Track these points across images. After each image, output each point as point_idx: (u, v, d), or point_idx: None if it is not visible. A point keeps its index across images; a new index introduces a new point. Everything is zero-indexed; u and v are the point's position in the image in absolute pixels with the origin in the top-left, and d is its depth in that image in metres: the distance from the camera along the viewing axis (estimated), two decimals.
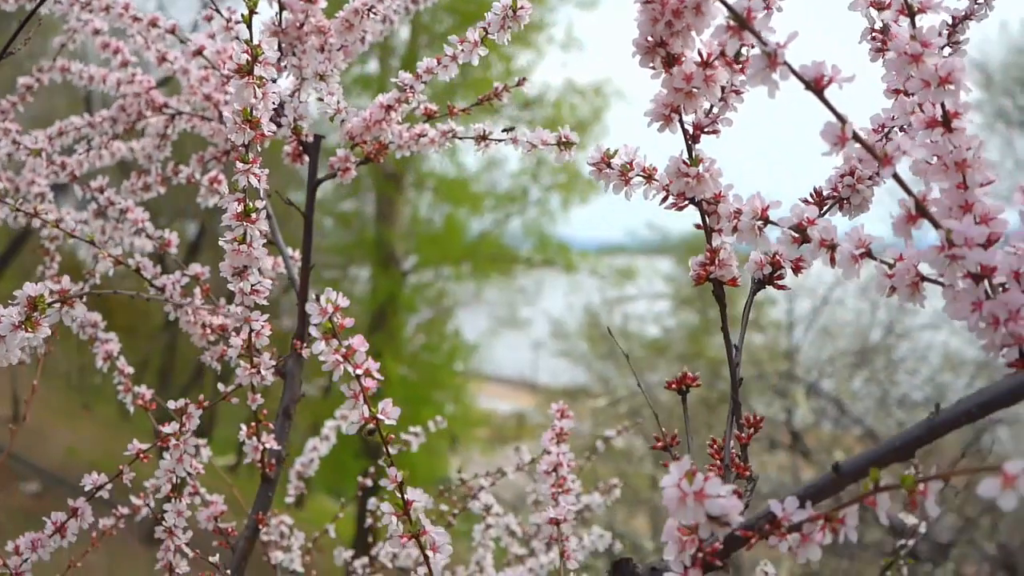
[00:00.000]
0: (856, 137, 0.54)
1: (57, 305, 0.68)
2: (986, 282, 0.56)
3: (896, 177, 0.55)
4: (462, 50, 0.94)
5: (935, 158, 0.58)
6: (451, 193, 11.83)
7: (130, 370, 1.16)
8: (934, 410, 0.54)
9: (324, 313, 0.66)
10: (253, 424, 1.02)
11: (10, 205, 1.07)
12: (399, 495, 0.70)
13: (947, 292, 0.57)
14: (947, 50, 0.76)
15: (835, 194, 0.74)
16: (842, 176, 0.74)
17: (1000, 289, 0.55)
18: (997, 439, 6.42)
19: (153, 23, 1.16)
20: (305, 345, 1.02)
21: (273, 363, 0.97)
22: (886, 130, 0.74)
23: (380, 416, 0.68)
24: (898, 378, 6.90)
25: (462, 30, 0.96)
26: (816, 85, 0.54)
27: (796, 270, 0.72)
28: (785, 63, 0.54)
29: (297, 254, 1.20)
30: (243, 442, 1.04)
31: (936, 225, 0.55)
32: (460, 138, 1.03)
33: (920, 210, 0.55)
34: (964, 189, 0.58)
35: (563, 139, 0.91)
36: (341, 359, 0.66)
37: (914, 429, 0.54)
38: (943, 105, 0.57)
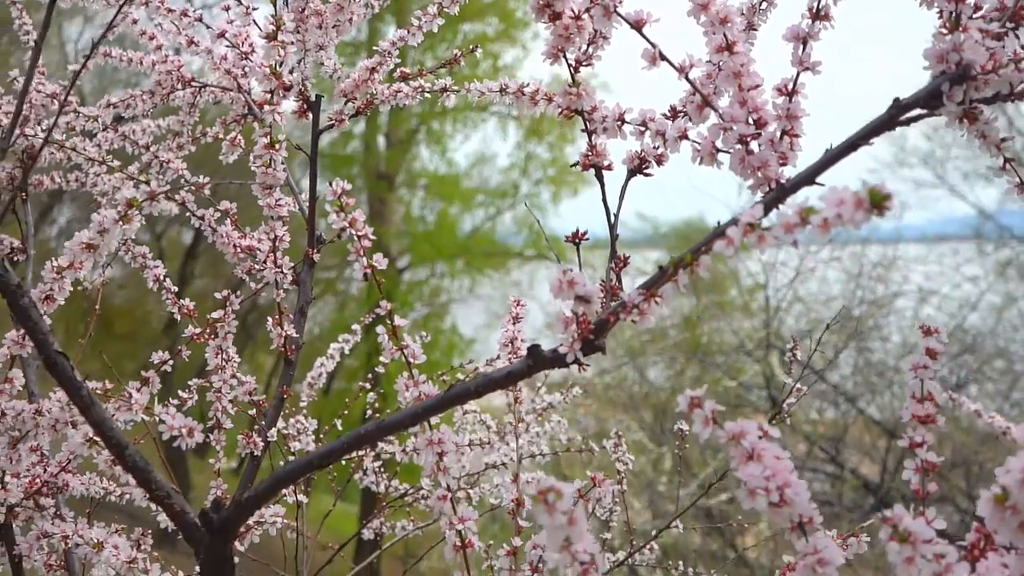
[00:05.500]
0: (662, 56, 0.86)
1: (148, 202, 1.00)
2: (755, 145, 0.88)
3: (689, 80, 0.87)
4: (425, 21, 1.27)
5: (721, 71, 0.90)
6: (442, 190, 12.14)
7: (175, 289, 1.47)
8: (718, 224, 0.85)
9: (335, 193, 0.98)
10: (277, 316, 1.34)
11: (56, 141, 1.38)
12: (389, 322, 1.01)
13: (731, 157, 0.89)
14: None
15: (684, 109, 1.05)
16: (689, 95, 1.05)
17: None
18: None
19: (184, 13, 1.47)
20: (316, 251, 1.33)
21: (292, 264, 1.29)
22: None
23: (374, 263, 0.99)
24: (872, 344, 7.25)
25: (449, 29, 1.27)
26: (638, 25, 0.86)
27: (659, 162, 1.04)
28: (616, 11, 0.85)
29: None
30: (270, 331, 1.35)
31: (715, 110, 0.87)
32: (428, 92, 1.35)
33: (704, 102, 0.87)
34: (741, 91, 0.90)
35: (503, 87, 1.22)
36: (347, 225, 0.98)
37: (709, 235, 0.86)
38: (725, 36, 0.89)
